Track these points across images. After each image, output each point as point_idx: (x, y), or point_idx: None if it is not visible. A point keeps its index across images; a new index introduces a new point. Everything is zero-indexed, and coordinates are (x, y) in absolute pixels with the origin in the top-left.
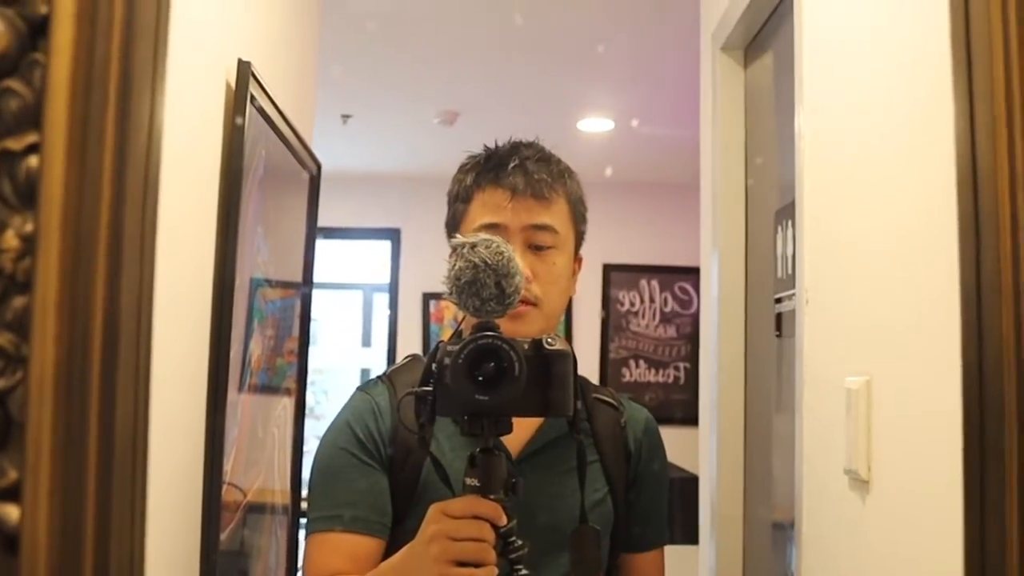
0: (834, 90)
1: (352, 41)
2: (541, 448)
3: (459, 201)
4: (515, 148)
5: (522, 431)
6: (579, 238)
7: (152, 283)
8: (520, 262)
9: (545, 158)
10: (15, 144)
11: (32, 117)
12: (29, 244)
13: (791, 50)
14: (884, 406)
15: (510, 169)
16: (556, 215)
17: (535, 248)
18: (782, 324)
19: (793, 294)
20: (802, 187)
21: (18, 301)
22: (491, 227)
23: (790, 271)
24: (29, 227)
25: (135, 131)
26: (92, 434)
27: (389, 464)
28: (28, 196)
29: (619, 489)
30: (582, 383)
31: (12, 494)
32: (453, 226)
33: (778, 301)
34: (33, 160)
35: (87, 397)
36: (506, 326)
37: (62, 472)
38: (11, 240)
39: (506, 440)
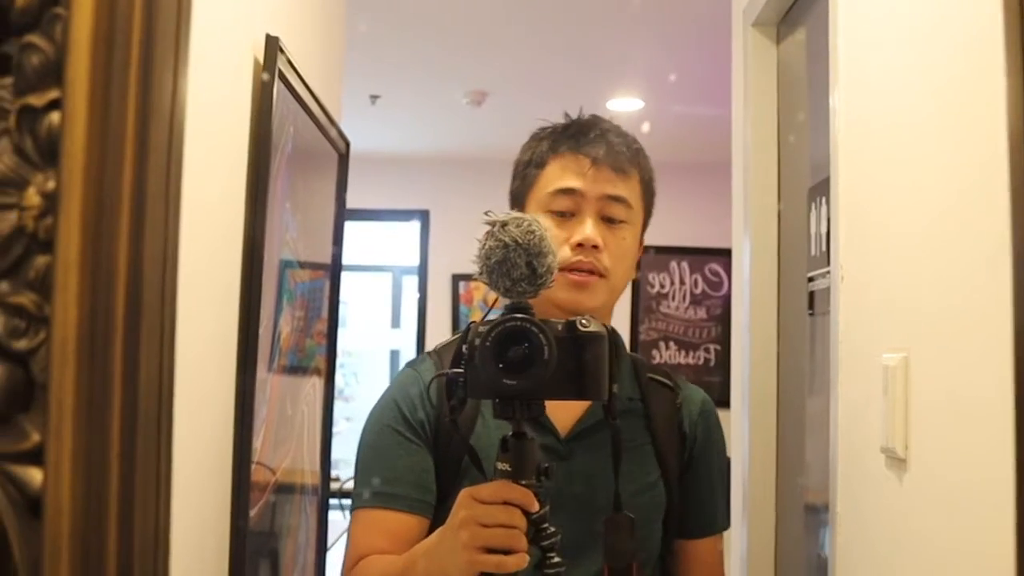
0: (871, 64)
1: (379, 20)
2: (591, 427)
3: (532, 166)
4: (596, 119)
5: (572, 409)
6: (647, 219)
7: (177, 243)
8: (552, 241)
9: (623, 133)
10: (37, 100)
11: (54, 73)
12: (51, 202)
13: (825, 25)
14: (922, 382)
15: (592, 137)
16: (631, 190)
17: (608, 220)
18: (815, 302)
19: (827, 272)
20: (837, 163)
21: (40, 260)
22: (567, 192)
23: (824, 248)
24: (51, 184)
25: (158, 88)
26: (115, 396)
27: (434, 441)
28: (50, 153)
29: (673, 473)
30: (636, 363)
31: (35, 457)
32: (521, 193)
33: (811, 279)
34: (55, 116)
35: (110, 358)
36: (570, 295)
37: (85, 435)
38: (33, 197)
39: (555, 418)
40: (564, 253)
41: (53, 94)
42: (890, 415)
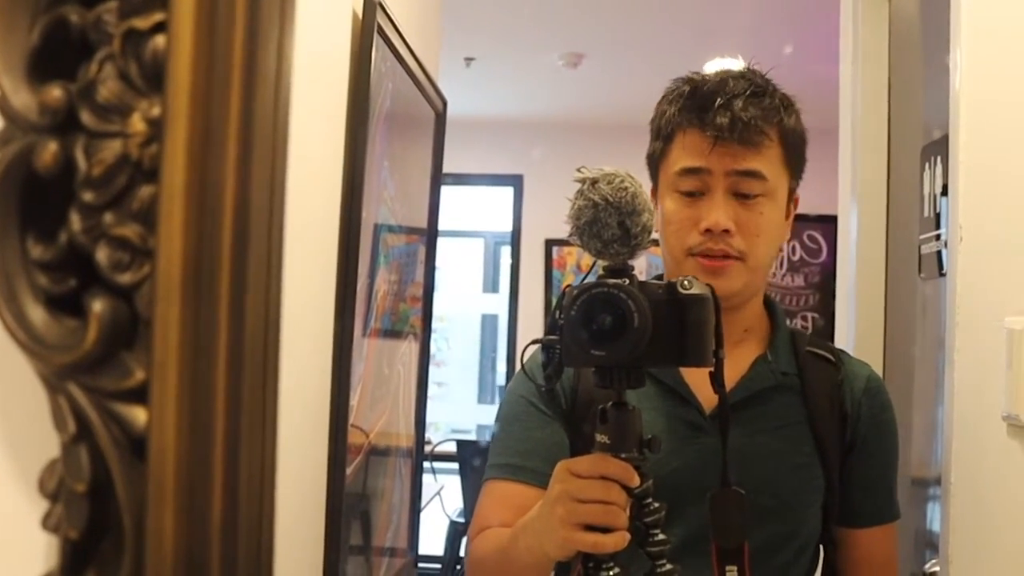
0: (996, 17)
1: None
2: (741, 402)
3: (660, 139)
4: (723, 82)
5: None
6: (794, 179)
7: (284, 172)
8: (647, 198)
9: (758, 91)
10: (141, 23)
11: None
12: (156, 129)
13: None
14: None
15: (715, 109)
16: (766, 160)
17: (741, 196)
18: (927, 266)
19: (939, 234)
20: (957, 120)
21: (145, 191)
22: (692, 172)
23: (937, 210)
24: (156, 111)
25: (267, 9)
26: (221, 332)
27: (571, 415)
28: (155, 78)
29: (832, 453)
30: (796, 336)
31: (139, 395)
32: (654, 164)
33: (923, 242)
34: (160, 40)
35: (216, 292)
36: (706, 281)
37: (191, 372)
38: (137, 124)
39: (700, 392)
40: (694, 238)
41: (158, 16)
42: (1015, 380)
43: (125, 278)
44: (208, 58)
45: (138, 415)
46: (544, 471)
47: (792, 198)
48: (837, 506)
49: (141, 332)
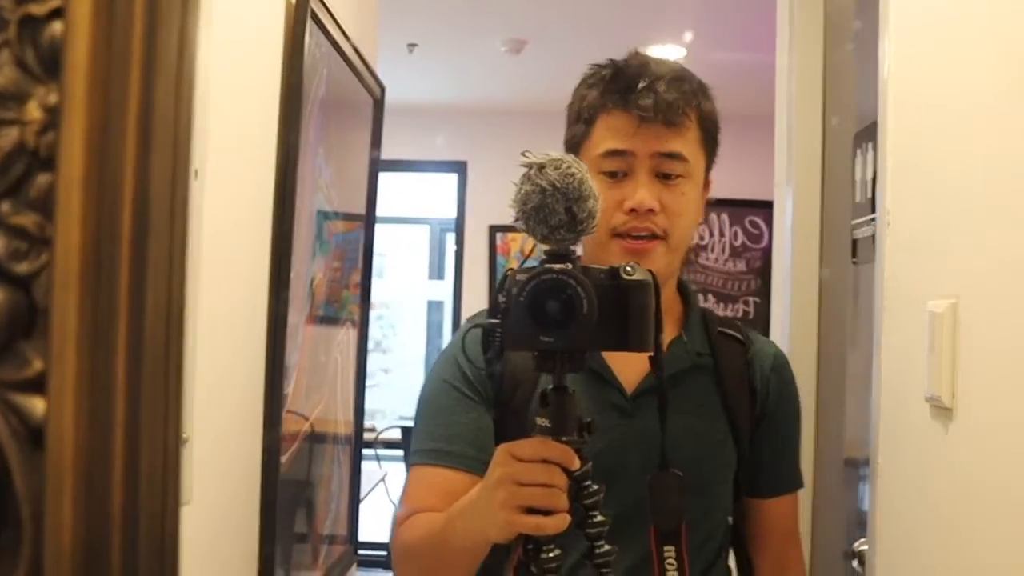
0: (923, 7)
1: None
2: (659, 385)
3: (580, 122)
4: (645, 65)
5: (641, 364)
6: (709, 161)
7: (188, 160)
8: (593, 183)
9: (678, 77)
10: (38, 9)
11: None
12: (53, 116)
13: None
14: (971, 329)
15: (639, 91)
16: (687, 141)
17: (663, 177)
18: (859, 250)
19: (872, 219)
20: (885, 107)
21: (42, 179)
22: (616, 153)
23: (869, 195)
24: (53, 98)
25: None
26: (121, 321)
27: (496, 399)
28: (52, 65)
29: (743, 429)
30: (707, 316)
31: (37, 385)
32: (574, 148)
33: (855, 227)
34: (57, 26)
35: (115, 281)
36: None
37: (89, 361)
38: (34, 112)
39: (622, 375)
40: (618, 218)
41: (55, 2)
42: (936, 363)
43: (22, 267)
44: (106, 44)
45: (36, 405)
46: (470, 455)
47: (706, 181)
48: (747, 478)
49: (39, 322)
